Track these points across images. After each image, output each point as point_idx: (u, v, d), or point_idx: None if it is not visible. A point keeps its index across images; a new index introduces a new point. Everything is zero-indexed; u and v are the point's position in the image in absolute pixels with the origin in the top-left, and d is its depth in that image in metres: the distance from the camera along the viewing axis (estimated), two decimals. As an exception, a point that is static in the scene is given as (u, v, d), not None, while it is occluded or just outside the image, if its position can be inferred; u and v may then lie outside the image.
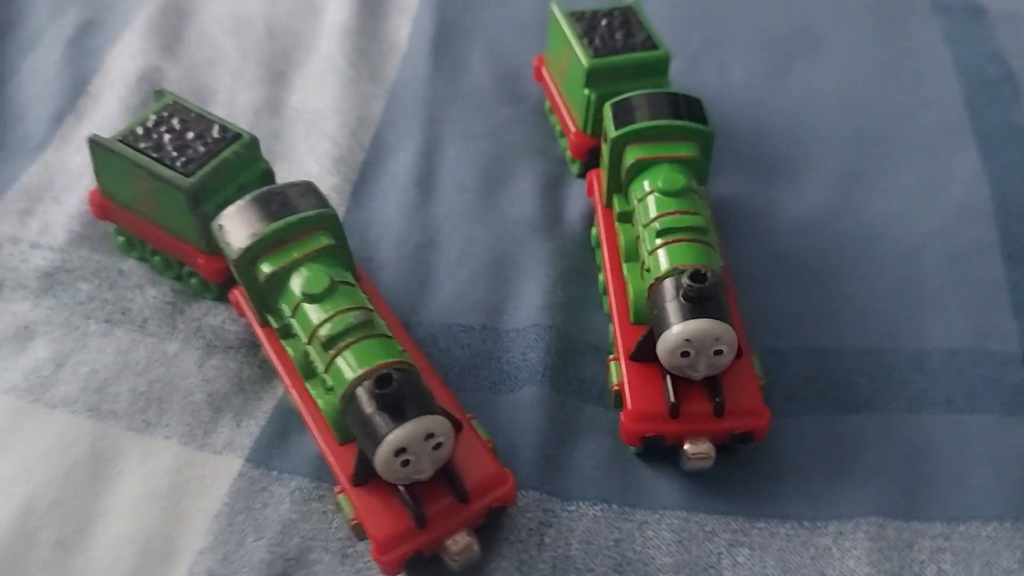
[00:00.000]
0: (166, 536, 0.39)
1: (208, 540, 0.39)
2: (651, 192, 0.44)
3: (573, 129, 0.53)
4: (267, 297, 0.41)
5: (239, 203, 0.42)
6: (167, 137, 0.46)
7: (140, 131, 0.46)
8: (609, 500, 0.41)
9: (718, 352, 0.39)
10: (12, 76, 0.59)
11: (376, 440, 0.35)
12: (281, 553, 0.39)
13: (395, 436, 0.35)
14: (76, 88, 0.58)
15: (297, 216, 0.41)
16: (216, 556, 0.39)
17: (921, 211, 0.53)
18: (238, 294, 0.45)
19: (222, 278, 0.47)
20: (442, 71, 0.60)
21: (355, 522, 0.38)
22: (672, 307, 0.40)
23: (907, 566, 0.39)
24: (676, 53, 0.58)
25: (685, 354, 0.39)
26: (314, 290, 0.39)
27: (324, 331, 0.38)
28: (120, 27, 0.62)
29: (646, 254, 0.43)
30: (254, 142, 0.46)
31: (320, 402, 0.40)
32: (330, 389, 0.38)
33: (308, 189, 0.43)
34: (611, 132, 0.46)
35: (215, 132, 0.46)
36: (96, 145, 0.46)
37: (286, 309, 0.40)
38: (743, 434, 0.41)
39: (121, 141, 0.46)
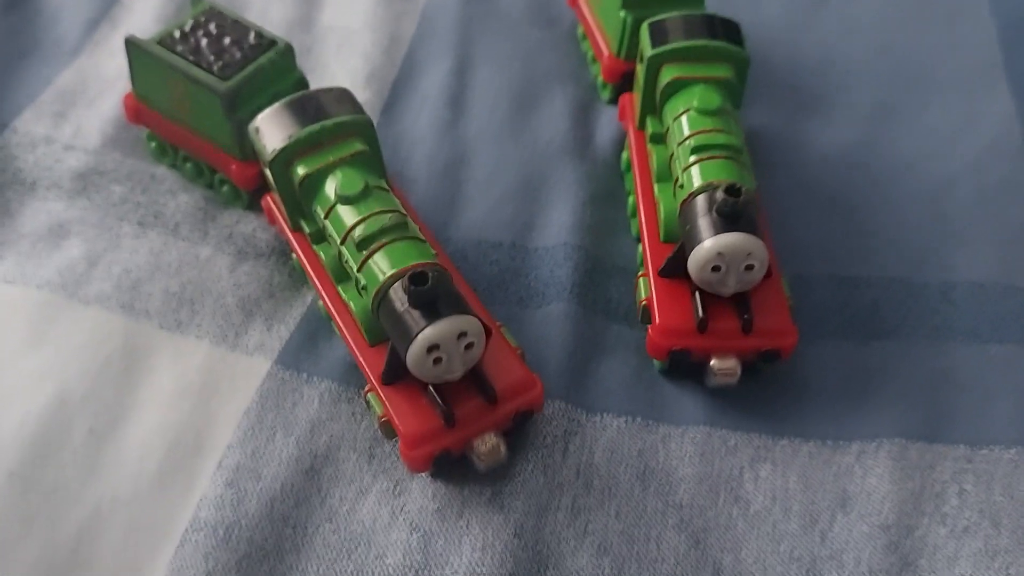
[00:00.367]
0: (196, 430, 0.40)
1: (237, 435, 0.40)
2: (686, 111, 0.44)
3: (606, 53, 0.53)
4: (301, 200, 0.41)
5: (275, 106, 0.42)
6: (204, 41, 0.46)
7: (177, 35, 0.46)
8: (633, 413, 0.42)
9: (749, 267, 0.39)
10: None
11: (409, 337, 0.35)
12: (310, 450, 0.40)
13: (429, 333, 0.35)
14: (110, -4, 0.58)
15: (333, 121, 0.41)
16: (245, 451, 0.39)
17: (952, 148, 0.53)
18: (270, 200, 0.45)
19: (254, 185, 0.47)
20: (475, -8, 0.60)
21: (384, 419, 0.38)
22: (705, 222, 0.40)
23: (929, 485, 0.40)
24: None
25: (716, 269, 0.40)
26: (349, 192, 0.39)
27: (359, 232, 0.38)
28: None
29: (679, 171, 0.43)
30: (289, 50, 0.46)
31: (352, 304, 0.40)
32: (364, 288, 0.38)
33: (343, 95, 0.43)
34: (648, 51, 0.46)
35: (252, 38, 0.46)
36: (133, 46, 0.46)
37: (320, 212, 0.41)
38: (770, 352, 0.41)
39: (158, 43, 0.46)
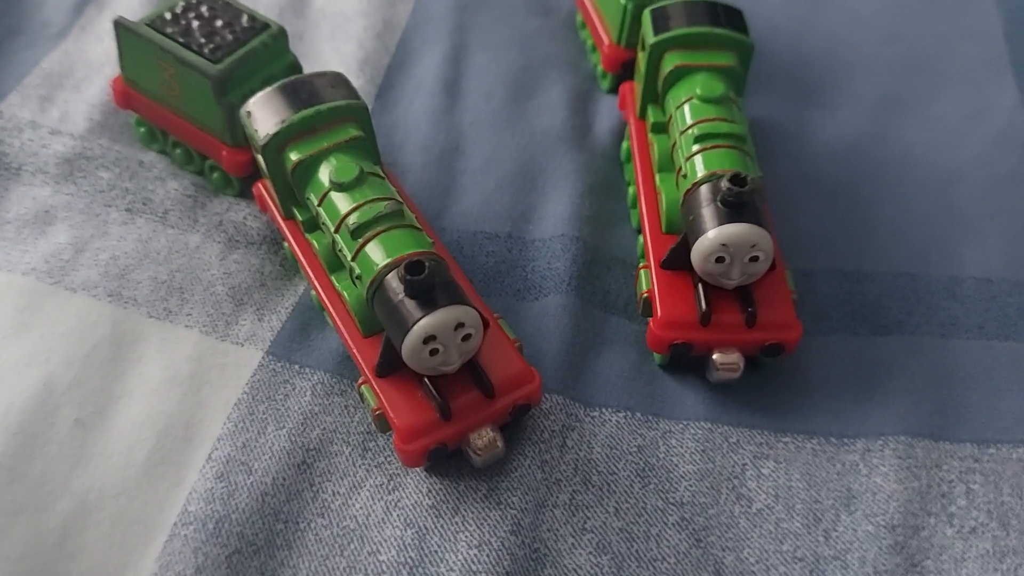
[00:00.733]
0: (186, 421, 0.39)
1: (228, 427, 0.39)
2: (689, 99, 0.43)
3: (606, 41, 0.52)
4: (294, 187, 0.40)
5: (267, 90, 0.41)
6: (195, 24, 0.45)
7: (168, 16, 0.45)
8: (632, 408, 0.41)
9: (754, 259, 0.39)
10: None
11: (405, 327, 0.34)
12: (302, 443, 0.39)
13: (425, 323, 0.34)
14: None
15: (327, 105, 0.40)
16: (236, 443, 0.38)
17: (958, 140, 0.52)
18: (262, 187, 0.44)
19: (244, 172, 0.46)
20: (470, -23, 0.59)
21: (378, 412, 0.37)
22: (709, 211, 0.39)
23: (935, 484, 0.39)
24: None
25: (720, 260, 0.39)
26: (343, 179, 0.38)
27: (353, 219, 0.37)
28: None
29: (682, 160, 0.42)
30: (283, 33, 0.45)
31: (346, 294, 0.39)
32: (358, 277, 0.37)
33: (338, 79, 0.42)
34: (650, 38, 0.45)
35: (244, 21, 0.45)
36: (122, 28, 0.45)
37: (313, 199, 0.40)
38: (773, 346, 0.40)
39: (148, 25, 0.44)
